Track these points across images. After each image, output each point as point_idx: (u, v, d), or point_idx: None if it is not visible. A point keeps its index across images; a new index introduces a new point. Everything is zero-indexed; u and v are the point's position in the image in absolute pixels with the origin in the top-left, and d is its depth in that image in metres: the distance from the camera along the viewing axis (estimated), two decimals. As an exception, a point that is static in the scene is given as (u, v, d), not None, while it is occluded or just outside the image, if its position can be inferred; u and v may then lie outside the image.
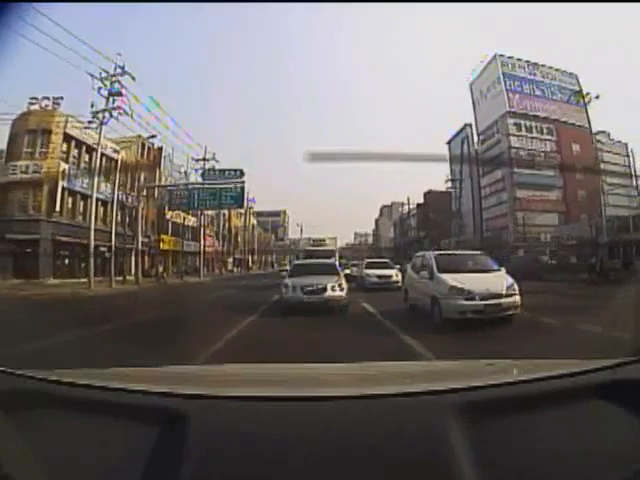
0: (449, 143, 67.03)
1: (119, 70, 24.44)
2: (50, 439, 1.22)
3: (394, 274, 20.92)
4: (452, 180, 59.97)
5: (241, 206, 37.05)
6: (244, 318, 10.78)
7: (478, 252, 13.13)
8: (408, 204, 79.13)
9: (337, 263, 18.77)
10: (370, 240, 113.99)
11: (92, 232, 23.06)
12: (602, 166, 55.62)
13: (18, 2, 1.79)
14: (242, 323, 10.12)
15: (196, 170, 38.66)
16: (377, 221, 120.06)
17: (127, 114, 23.74)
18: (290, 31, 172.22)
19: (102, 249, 28.62)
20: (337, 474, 1.04)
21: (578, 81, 60.96)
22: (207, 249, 47.90)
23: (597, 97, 39.00)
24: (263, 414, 1.22)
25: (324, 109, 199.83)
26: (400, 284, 16.94)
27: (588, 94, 42.88)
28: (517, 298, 9.47)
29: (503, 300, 9.32)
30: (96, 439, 1.21)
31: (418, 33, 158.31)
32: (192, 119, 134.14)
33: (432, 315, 9.77)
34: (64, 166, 28.08)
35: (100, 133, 24.39)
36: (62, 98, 29.06)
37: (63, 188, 27.92)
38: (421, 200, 73.74)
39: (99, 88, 23.63)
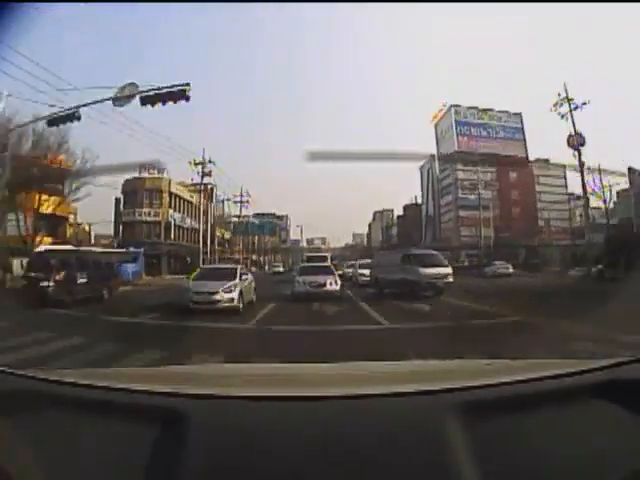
0: (420, 169, 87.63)
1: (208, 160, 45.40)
2: (50, 439, 1.24)
3: (366, 272, 40.27)
4: (415, 204, 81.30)
5: (274, 235, 60.13)
6: (283, 295, 21.09)
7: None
8: (393, 216, 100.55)
9: (330, 264, 28.36)
10: (366, 241, 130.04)
11: (201, 248, 43.95)
12: (539, 188, 76.37)
13: (19, 2, 1.71)
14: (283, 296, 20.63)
15: (234, 202, 60.78)
16: (370, 225, 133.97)
17: (215, 187, 44.77)
18: (292, 32, 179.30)
19: (187, 257, 49.53)
20: (336, 474, 1.07)
21: (521, 120, 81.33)
22: (237, 255, 69.15)
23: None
24: (264, 414, 1.25)
25: (326, 113, 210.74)
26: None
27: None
28: None
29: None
30: (97, 439, 1.23)
31: (419, 35, 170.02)
32: (192, 124, 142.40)
33: (356, 283, 28.31)
34: (171, 211, 49.17)
35: (200, 198, 45.39)
36: (165, 168, 49.98)
37: (172, 224, 49.01)
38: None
39: (198, 172, 44.58)
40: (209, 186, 57.91)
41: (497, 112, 79.47)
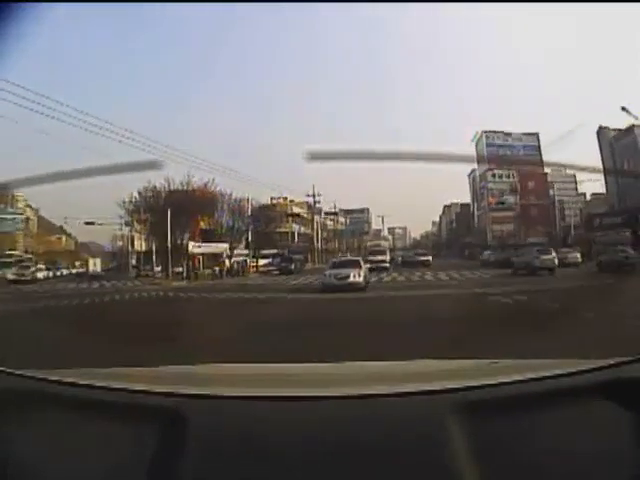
0: (468, 176, 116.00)
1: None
2: (50, 439, 1.27)
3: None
4: (462, 205, 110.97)
5: (362, 234, 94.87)
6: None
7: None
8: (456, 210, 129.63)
9: (388, 257, 48.29)
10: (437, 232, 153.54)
11: (315, 247, 77.38)
12: (552, 192, 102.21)
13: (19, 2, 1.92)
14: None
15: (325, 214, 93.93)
16: (440, 217, 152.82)
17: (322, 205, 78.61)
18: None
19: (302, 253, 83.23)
20: (336, 474, 1.10)
21: (538, 139, 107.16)
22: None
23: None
24: (263, 414, 1.28)
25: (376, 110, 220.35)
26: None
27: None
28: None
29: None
30: (97, 439, 1.27)
31: (423, 32, 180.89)
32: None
33: (398, 262, 59.42)
34: (293, 224, 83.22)
35: (312, 218, 79.00)
36: (286, 197, 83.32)
37: (295, 232, 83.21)
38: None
39: (309, 202, 77.78)
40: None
41: (521, 135, 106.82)
